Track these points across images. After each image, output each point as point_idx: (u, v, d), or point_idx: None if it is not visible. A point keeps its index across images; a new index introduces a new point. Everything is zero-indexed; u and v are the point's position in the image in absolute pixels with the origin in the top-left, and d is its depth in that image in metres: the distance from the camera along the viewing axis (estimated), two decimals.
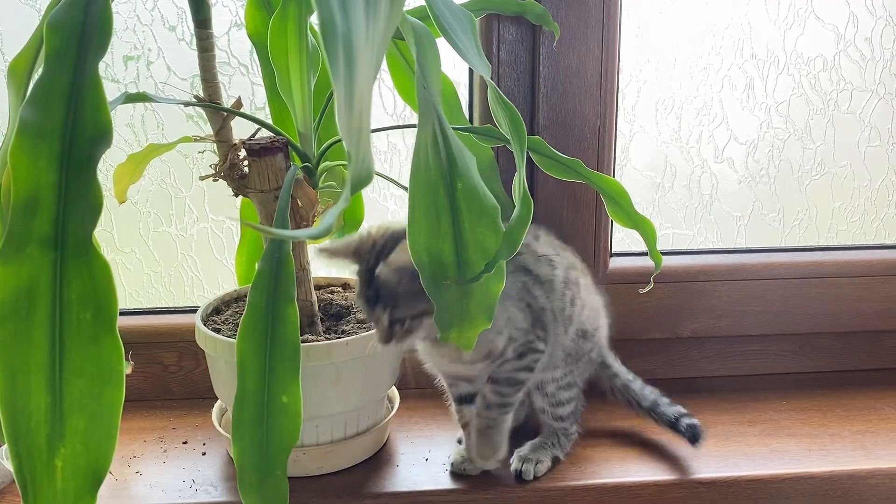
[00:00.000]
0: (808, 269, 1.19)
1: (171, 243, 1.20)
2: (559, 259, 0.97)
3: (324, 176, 0.97)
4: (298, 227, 0.93)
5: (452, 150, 0.67)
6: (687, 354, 1.22)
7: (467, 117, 1.15)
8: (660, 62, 1.16)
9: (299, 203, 0.92)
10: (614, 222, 0.97)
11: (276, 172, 0.91)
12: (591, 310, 1.00)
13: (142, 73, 1.14)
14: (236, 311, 1.02)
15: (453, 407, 0.99)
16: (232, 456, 0.77)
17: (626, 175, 1.20)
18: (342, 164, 1.01)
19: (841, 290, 1.20)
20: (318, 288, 1.09)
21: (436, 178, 0.65)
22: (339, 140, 0.96)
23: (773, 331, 1.21)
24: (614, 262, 1.17)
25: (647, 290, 0.99)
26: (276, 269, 0.78)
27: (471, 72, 1.14)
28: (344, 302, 1.04)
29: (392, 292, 0.82)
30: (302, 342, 0.90)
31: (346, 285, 1.11)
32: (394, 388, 1.08)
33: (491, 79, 1.11)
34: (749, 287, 1.18)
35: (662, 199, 1.22)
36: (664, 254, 1.18)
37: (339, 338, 0.92)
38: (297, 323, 0.77)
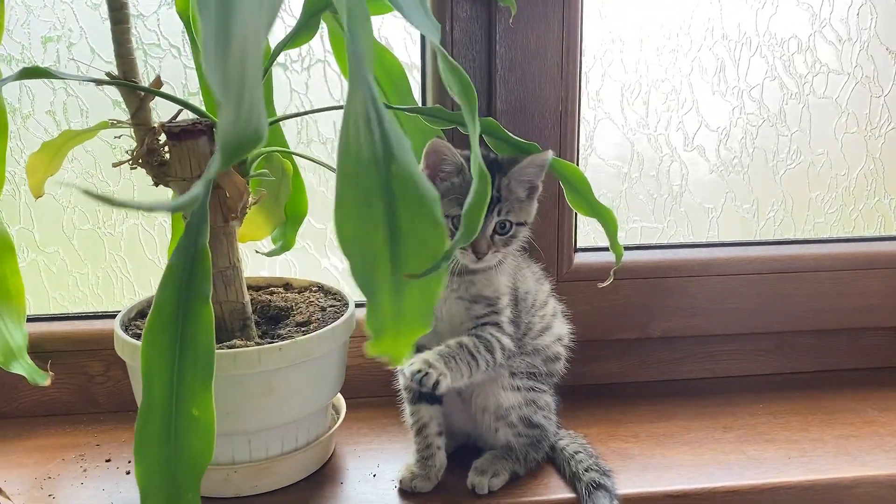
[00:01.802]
0: (784, 263, 1.12)
1: (97, 242, 1.10)
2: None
3: (256, 163, 0.88)
4: (227, 220, 0.84)
5: (387, 128, 0.57)
6: (658, 356, 1.14)
7: (421, 103, 1.07)
8: (625, 43, 1.09)
9: (227, 193, 0.83)
10: (576, 212, 0.89)
11: (200, 158, 0.82)
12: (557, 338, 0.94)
13: (63, 56, 1.04)
14: None
15: (408, 409, 0.90)
16: None
17: (590, 164, 1.12)
18: (280, 151, 0.92)
19: (820, 286, 1.13)
20: (255, 288, 1.00)
21: (368, 157, 0.54)
22: (274, 122, 0.87)
23: (748, 329, 1.13)
24: (579, 258, 1.10)
25: (606, 284, 0.91)
26: (189, 265, 0.69)
27: (423, 54, 1.06)
28: (283, 303, 0.95)
29: (510, 196, 0.83)
30: (229, 348, 0.82)
31: (287, 285, 1.02)
32: (340, 396, 1.00)
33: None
34: (722, 283, 1.11)
35: (629, 189, 1.14)
36: (631, 248, 1.12)
37: (273, 342, 0.83)
38: (211, 326, 0.68)
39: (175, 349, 0.67)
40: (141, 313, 0.94)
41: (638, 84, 1.10)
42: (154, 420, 0.66)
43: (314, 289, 1.00)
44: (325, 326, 0.86)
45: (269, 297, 0.97)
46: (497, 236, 0.83)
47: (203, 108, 0.85)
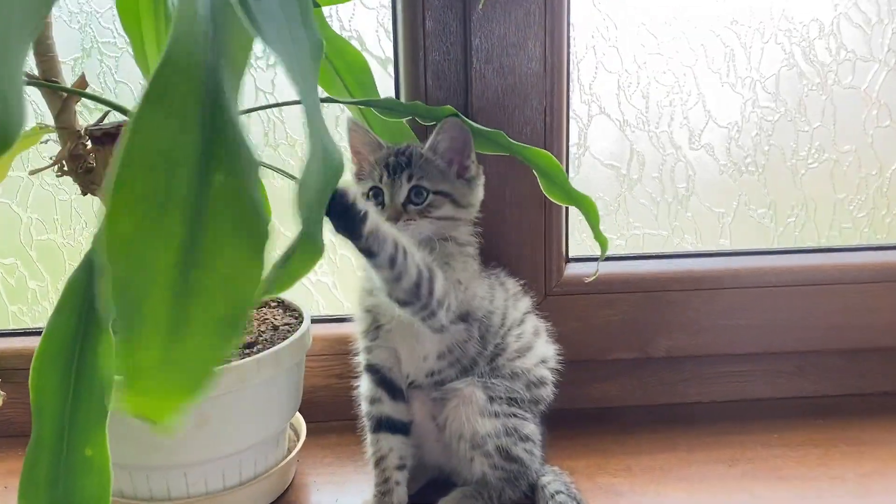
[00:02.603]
0: (805, 274, 0.99)
1: (56, 253, 1.04)
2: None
3: None
4: None
5: (225, 115, 0.38)
6: (661, 377, 1.03)
7: (395, 96, 0.98)
8: (621, 30, 0.98)
9: None
10: (565, 211, 0.79)
11: None
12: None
13: None
14: None
15: (368, 439, 0.81)
16: None
17: (584, 165, 1.02)
18: None
19: (846, 300, 1.00)
20: None
21: (180, 153, 0.36)
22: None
23: (763, 348, 1.01)
24: (571, 269, 0.99)
25: (591, 279, 0.80)
26: (91, 286, 0.62)
27: (395, 47, 0.97)
28: None
29: (425, 164, 0.76)
30: None
31: None
32: (301, 419, 0.91)
33: (419, 54, 0.95)
34: (734, 297, 0.99)
35: (629, 193, 1.03)
36: (631, 258, 1.02)
37: None
38: (111, 354, 0.60)
39: (69, 380, 0.60)
40: None
41: (636, 75, 0.99)
42: (43, 460, 0.58)
43: (273, 304, 0.92)
44: (270, 348, 0.78)
45: None
46: (412, 206, 0.76)
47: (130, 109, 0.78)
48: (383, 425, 0.80)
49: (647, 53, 0.99)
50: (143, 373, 0.35)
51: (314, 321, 0.96)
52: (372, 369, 0.80)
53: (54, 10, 0.98)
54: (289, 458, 0.85)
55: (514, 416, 0.79)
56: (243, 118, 0.41)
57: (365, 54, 0.99)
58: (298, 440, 0.89)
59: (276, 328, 0.85)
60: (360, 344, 0.81)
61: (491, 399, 0.78)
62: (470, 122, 0.75)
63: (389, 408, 0.80)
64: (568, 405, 1.00)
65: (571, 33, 0.95)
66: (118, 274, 0.34)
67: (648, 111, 1.01)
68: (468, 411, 0.78)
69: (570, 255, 1.00)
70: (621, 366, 1.02)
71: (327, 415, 0.98)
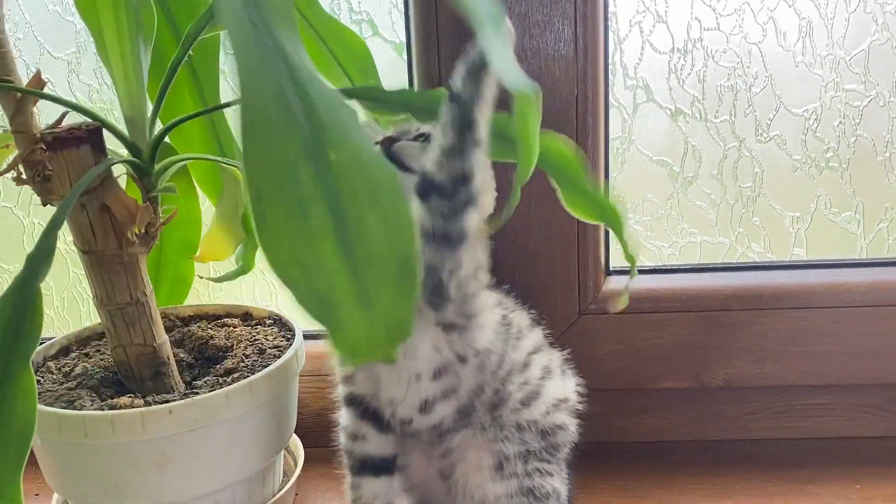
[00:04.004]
0: None
1: (60, 259, 0.98)
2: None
3: (165, 176, 0.71)
4: (120, 245, 0.68)
5: (314, 102, 0.39)
6: (720, 409, 0.88)
7: (408, 86, 0.86)
8: (672, 1, 0.83)
9: (115, 215, 0.67)
10: (569, 209, 0.65)
11: (80, 172, 0.66)
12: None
13: None
14: (84, 355, 0.79)
15: (348, 479, 0.70)
16: None
17: (628, 162, 0.88)
18: (193, 159, 0.75)
19: None
20: (211, 318, 0.84)
21: (294, 152, 0.39)
22: (181, 121, 0.71)
23: (845, 380, 0.85)
24: (612, 282, 0.86)
25: (620, 307, 0.66)
26: (18, 314, 0.55)
27: (408, 30, 0.85)
28: (225, 342, 0.79)
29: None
30: (112, 407, 0.66)
31: (246, 315, 0.85)
32: (299, 444, 0.82)
33: (432, 37, 0.83)
34: (809, 318, 0.83)
35: (683, 194, 0.89)
36: (684, 271, 0.87)
37: (188, 396, 0.67)
38: (32, 394, 0.53)
39: None
40: (65, 350, 0.80)
41: (691, 55, 0.84)
42: None
43: (269, 322, 0.82)
44: (246, 377, 0.69)
45: (212, 331, 0.81)
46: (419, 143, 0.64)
47: (92, 109, 0.70)
48: (367, 467, 0.69)
49: (703, 29, 0.84)
50: (359, 344, 0.39)
51: (315, 337, 0.87)
52: (354, 401, 0.69)
53: (49, 4, 0.92)
54: (282, 492, 0.76)
55: (530, 475, 0.67)
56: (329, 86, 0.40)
57: (377, 39, 0.89)
58: (296, 469, 0.80)
59: (262, 352, 0.75)
60: (339, 373, 0.70)
61: (501, 464, 0.66)
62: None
63: (375, 445, 0.68)
64: (605, 438, 0.88)
65: (610, 8, 0.81)
66: (301, 291, 0.38)
67: (706, 98, 0.85)
68: (478, 479, 0.67)
69: (611, 265, 0.87)
70: (672, 395, 0.88)
71: (327, 439, 0.88)
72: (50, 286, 0.99)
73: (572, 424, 0.71)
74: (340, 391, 0.70)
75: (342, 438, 0.71)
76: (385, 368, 0.66)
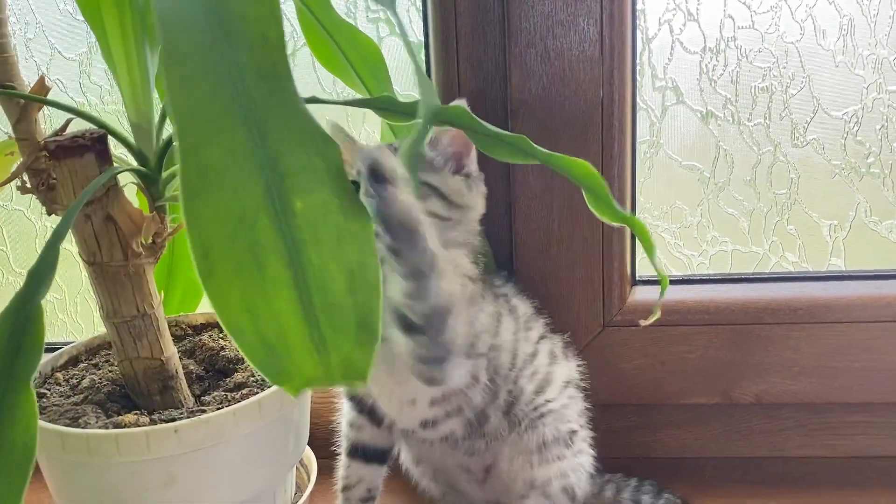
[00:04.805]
0: None
1: (73, 263, 0.96)
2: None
3: (173, 184, 0.69)
4: (127, 258, 0.66)
5: (281, 148, 0.36)
6: (751, 425, 0.84)
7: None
8: (703, 2, 0.79)
9: (120, 226, 0.64)
10: (607, 221, 0.62)
11: (85, 182, 0.63)
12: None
13: None
14: (93, 366, 0.77)
15: (341, 458, 0.74)
16: None
17: (656, 167, 0.84)
18: None
19: None
20: (219, 328, 0.82)
21: (250, 202, 0.35)
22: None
23: (885, 397, 0.80)
24: (638, 293, 0.82)
25: (649, 322, 0.63)
26: (17, 334, 0.52)
27: (426, 29, 0.82)
28: (235, 353, 0.76)
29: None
30: (117, 425, 0.64)
31: None
32: (312, 457, 0.80)
33: (451, 36, 0.80)
34: (848, 333, 0.79)
35: (714, 200, 0.84)
36: (713, 281, 0.83)
37: (195, 413, 0.64)
38: (30, 417, 0.50)
39: None
40: (74, 360, 0.78)
41: (723, 55, 0.80)
42: None
43: None
44: (256, 393, 0.66)
45: (223, 342, 0.79)
46: None
47: (98, 115, 0.67)
48: (358, 453, 0.72)
49: (737, 28, 0.79)
50: (313, 383, 0.36)
51: None
52: (353, 398, 0.72)
53: (60, 4, 0.90)
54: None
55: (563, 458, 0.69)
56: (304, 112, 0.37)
57: (394, 38, 0.86)
58: (309, 482, 0.78)
59: None
60: None
61: (540, 449, 0.68)
62: (486, 124, 0.59)
63: (370, 435, 0.72)
64: (628, 453, 0.85)
65: (638, 6, 0.77)
66: (247, 341, 0.35)
67: (739, 100, 0.81)
68: (516, 467, 0.69)
69: (637, 275, 0.83)
70: (700, 410, 0.84)
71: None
72: (63, 290, 0.97)
73: (579, 396, 0.73)
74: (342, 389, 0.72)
75: (342, 422, 0.73)
76: (376, 389, 0.66)
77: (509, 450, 0.69)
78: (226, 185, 0.34)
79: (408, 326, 0.53)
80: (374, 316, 0.36)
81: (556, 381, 0.70)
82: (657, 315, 0.64)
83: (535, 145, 0.58)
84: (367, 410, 0.71)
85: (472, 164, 0.66)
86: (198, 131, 0.35)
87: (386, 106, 0.62)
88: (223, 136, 0.35)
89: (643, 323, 0.66)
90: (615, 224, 0.64)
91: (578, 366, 0.74)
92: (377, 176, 0.48)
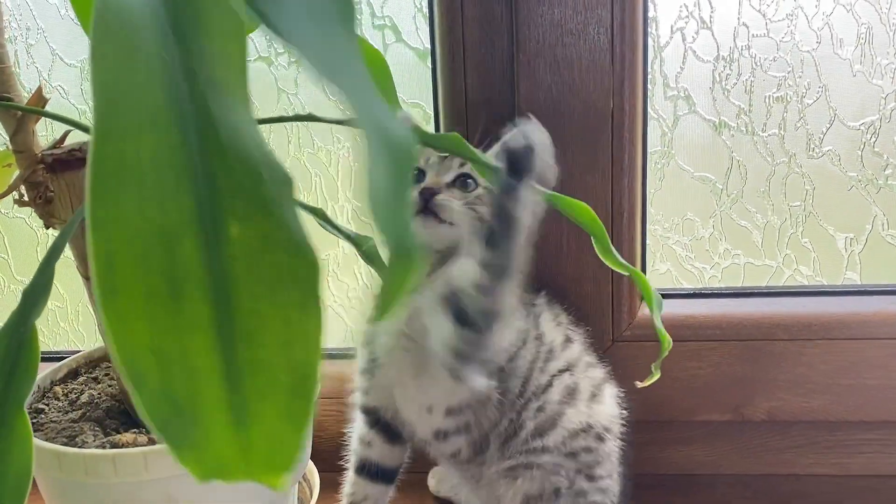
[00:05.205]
0: None
1: (75, 272, 0.95)
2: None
3: None
4: None
5: (230, 163, 0.30)
6: (763, 442, 0.82)
7: (432, 96, 0.82)
8: (717, 6, 0.77)
9: None
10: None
11: (83, 195, 0.62)
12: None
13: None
14: (93, 379, 0.76)
15: (348, 474, 0.72)
16: None
17: (668, 177, 0.82)
18: None
19: None
20: None
21: (174, 217, 0.29)
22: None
23: None
24: (647, 308, 0.80)
25: (645, 384, 0.62)
26: (11, 356, 0.51)
27: (433, 37, 0.80)
28: None
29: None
30: (114, 444, 0.63)
31: None
32: (314, 471, 0.79)
33: (458, 45, 0.78)
34: (863, 350, 0.77)
35: (726, 212, 0.83)
36: (726, 295, 0.81)
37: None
38: (25, 441, 0.49)
39: None
40: (73, 373, 0.77)
41: (736, 63, 0.78)
42: None
43: None
44: None
45: None
46: (456, 191, 0.62)
47: None
48: (366, 470, 0.71)
49: (751, 36, 0.77)
50: (224, 471, 0.29)
51: (332, 356, 0.83)
52: (367, 411, 0.69)
53: (61, 10, 0.88)
54: None
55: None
56: (256, 133, 0.30)
57: (399, 45, 0.84)
58: (311, 497, 0.77)
59: None
60: (358, 383, 0.69)
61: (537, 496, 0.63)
62: (481, 155, 0.56)
63: (379, 453, 0.70)
64: (637, 469, 0.83)
65: (650, 13, 0.75)
66: (150, 390, 0.28)
67: (753, 110, 0.79)
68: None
69: None
70: (711, 427, 0.82)
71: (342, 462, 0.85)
72: (64, 298, 0.96)
73: (602, 450, 0.65)
74: (356, 398, 0.70)
75: (352, 438, 0.72)
76: (399, 392, 0.65)
77: (487, 491, 0.66)
78: (147, 189, 0.28)
79: (460, 317, 0.54)
80: (310, 382, 0.29)
81: (565, 426, 0.63)
82: (656, 376, 0.63)
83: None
84: (379, 425, 0.70)
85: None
86: (125, 117, 0.28)
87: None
88: (156, 130, 0.29)
89: (639, 385, 0.65)
90: (620, 271, 0.62)
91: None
92: (522, 161, 0.49)
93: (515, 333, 0.63)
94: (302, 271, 0.29)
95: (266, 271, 0.29)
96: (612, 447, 0.66)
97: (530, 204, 0.52)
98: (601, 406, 0.66)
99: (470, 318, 0.53)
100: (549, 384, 0.64)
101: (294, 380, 0.29)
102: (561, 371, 0.65)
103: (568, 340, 0.68)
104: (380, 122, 0.28)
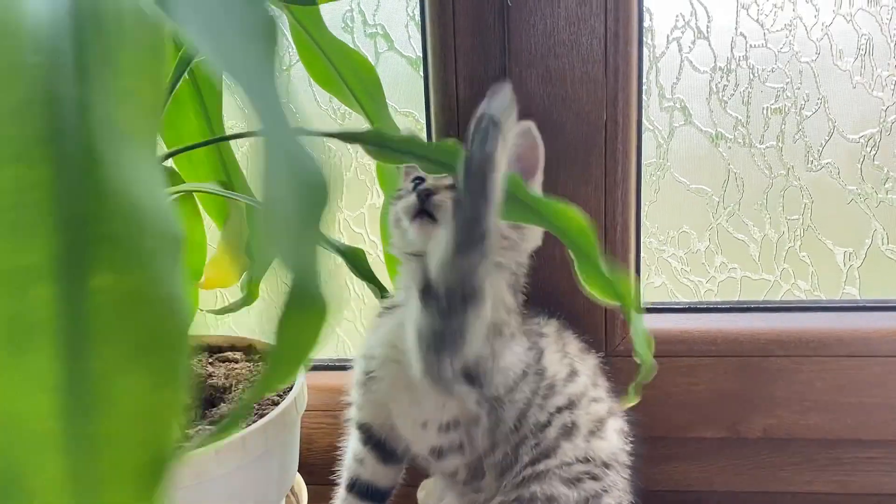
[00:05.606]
0: None
1: None
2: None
3: None
4: None
5: (110, 201, 0.26)
6: (760, 459, 0.81)
7: (424, 104, 0.81)
8: (715, 16, 0.75)
9: None
10: (585, 284, 0.59)
11: None
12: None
13: None
14: None
15: (339, 493, 0.70)
16: None
17: (663, 190, 0.81)
18: (194, 191, 0.70)
19: None
20: (213, 350, 0.80)
21: (29, 257, 0.26)
22: (180, 150, 0.66)
23: None
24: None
25: (625, 406, 0.60)
26: None
27: (424, 45, 0.79)
28: (224, 381, 0.74)
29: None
30: None
31: (249, 348, 0.80)
32: (303, 485, 0.78)
33: (450, 54, 0.77)
34: (861, 367, 0.75)
35: (723, 225, 0.81)
36: (722, 310, 0.80)
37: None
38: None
39: None
40: None
41: (734, 74, 0.77)
42: None
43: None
44: (245, 428, 0.64)
45: (212, 368, 0.76)
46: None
47: None
48: (356, 488, 0.69)
49: (749, 46, 0.76)
50: None
51: (324, 368, 0.82)
52: (361, 427, 0.67)
53: None
54: None
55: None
56: (153, 179, 0.27)
57: (392, 54, 0.83)
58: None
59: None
60: (352, 397, 0.67)
61: None
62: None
63: (371, 472, 0.68)
64: (634, 485, 0.82)
65: (646, 23, 0.74)
66: None
67: (750, 121, 0.78)
68: None
69: (641, 303, 0.80)
70: (705, 443, 0.81)
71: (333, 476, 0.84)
72: None
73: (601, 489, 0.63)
74: (351, 415, 0.69)
75: (347, 452, 0.70)
76: (395, 407, 0.64)
77: None
78: (5, 223, 0.25)
79: (429, 295, 0.52)
80: (163, 464, 0.26)
81: (560, 458, 0.61)
82: (634, 400, 0.62)
83: (528, 191, 0.55)
84: (373, 443, 0.68)
85: (537, 185, 0.63)
86: None
87: (375, 140, 0.59)
88: (21, 163, 0.26)
89: (618, 406, 0.64)
90: (601, 297, 0.60)
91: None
92: (495, 122, 0.48)
93: (515, 359, 0.61)
94: (170, 336, 0.26)
95: (130, 332, 0.26)
96: (616, 479, 0.64)
97: (500, 159, 0.50)
98: (602, 441, 0.64)
99: (440, 296, 0.51)
100: (548, 423, 0.61)
101: (147, 455, 0.26)
102: (560, 409, 0.62)
103: (573, 374, 0.65)
104: (290, 147, 0.27)
